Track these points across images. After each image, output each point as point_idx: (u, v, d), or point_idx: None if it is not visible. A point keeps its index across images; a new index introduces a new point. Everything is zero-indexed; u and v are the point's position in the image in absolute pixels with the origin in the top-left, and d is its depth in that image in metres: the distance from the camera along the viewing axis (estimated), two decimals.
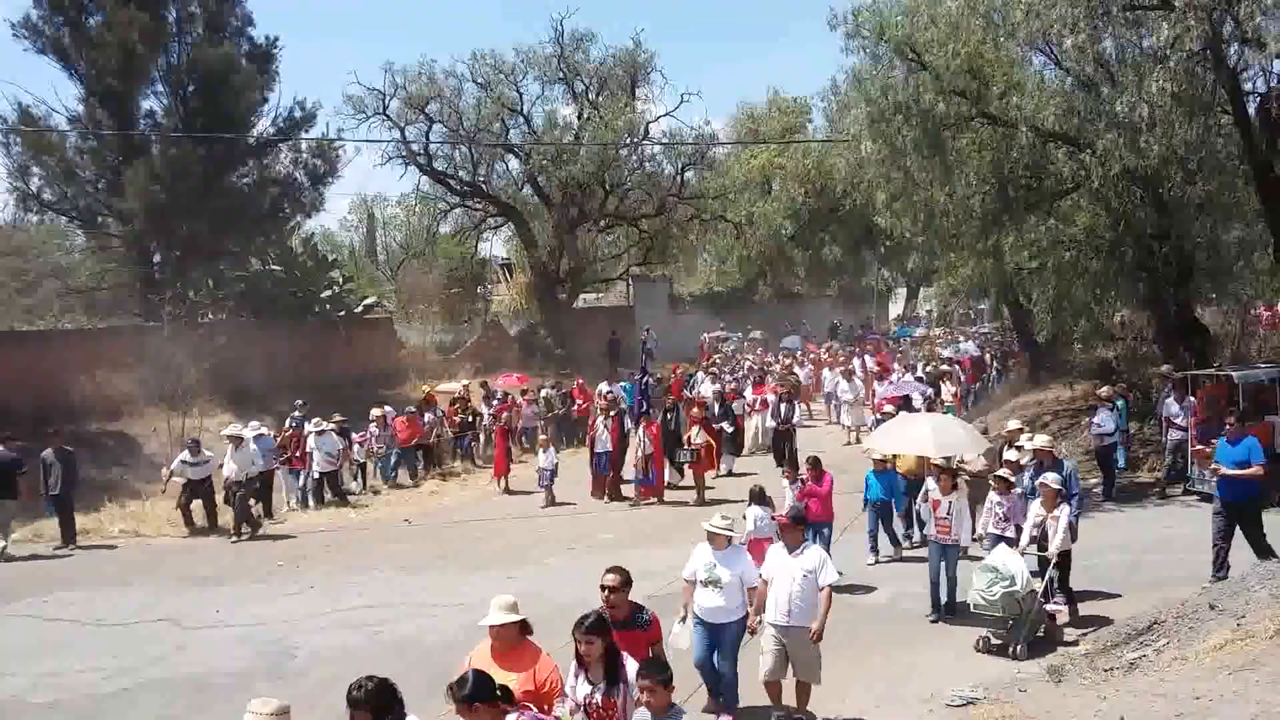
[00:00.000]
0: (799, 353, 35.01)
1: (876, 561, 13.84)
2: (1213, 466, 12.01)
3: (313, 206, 31.77)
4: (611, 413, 19.79)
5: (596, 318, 40.40)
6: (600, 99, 35.99)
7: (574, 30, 35.90)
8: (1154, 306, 20.02)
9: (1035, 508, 11.19)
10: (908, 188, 18.63)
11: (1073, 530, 11.14)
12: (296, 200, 30.87)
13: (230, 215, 27.62)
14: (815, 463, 13.11)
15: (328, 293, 31.62)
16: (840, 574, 11.12)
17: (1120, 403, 17.91)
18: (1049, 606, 10.60)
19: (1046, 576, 10.70)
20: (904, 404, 19.38)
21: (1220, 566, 11.56)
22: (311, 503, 19.82)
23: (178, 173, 25.99)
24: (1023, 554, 10.72)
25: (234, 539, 16.94)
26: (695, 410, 20.29)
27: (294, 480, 20.18)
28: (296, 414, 21.53)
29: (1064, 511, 10.83)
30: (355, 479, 21.48)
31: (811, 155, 38.85)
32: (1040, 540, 11.01)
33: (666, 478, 19.45)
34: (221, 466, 17.56)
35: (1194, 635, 9.24)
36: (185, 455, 17.58)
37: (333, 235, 49.57)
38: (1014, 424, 15.04)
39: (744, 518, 11.73)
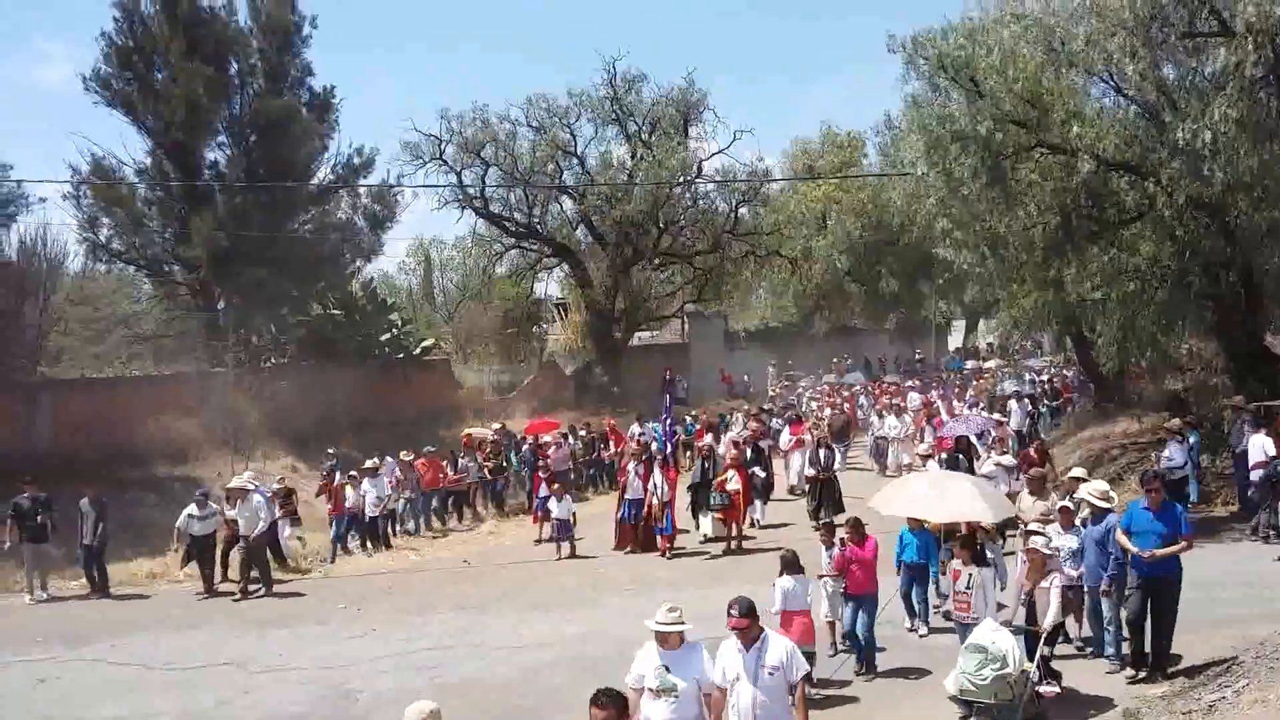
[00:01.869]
0: (855, 388, 34.69)
1: (926, 631, 12.37)
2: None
3: (371, 251, 32.27)
4: (644, 457, 18.74)
5: (652, 355, 40.41)
6: (653, 138, 36.16)
7: (626, 72, 36.21)
8: (1222, 336, 19.52)
9: (1020, 575, 10.18)
10: (967, 217, 18.43)
11: (1116, 586, 10.29)
12: (356, 245, 31.35)
13: (291, 261, 28.08)
14: (857, 524, 11.51)
15: (386, 335, 31.99)
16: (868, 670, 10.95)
17: (1193, 435, 17.45)
18: (1041, 687, 9.56)
19: (1039, 655, 9.58)
20: (959, 445, 18.82)
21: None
22: (368, 545, 19.76)
23: (240, 221, 26.58)
24: (1013, 630, 9.48)
25: (237, 597, 16.13)
26: (734, 453, 19.01)
27: (332, 529, 19.57)
28: (328, 463, 21.50)
29: (1055, 581, 9.89)
30: (407, 522, 21.38)
31: (867, 188, 38.69)
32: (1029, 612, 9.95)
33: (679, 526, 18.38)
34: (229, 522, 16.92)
35: (1275, 676, 8.91)
36: (192, 509, 16.77)
37: (391, 279, 50.29)
38: (1078, 471, 13.49)
39: (773, 587, 10.51)
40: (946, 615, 11.86)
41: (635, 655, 7.28)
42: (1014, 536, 12.49)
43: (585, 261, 37.94)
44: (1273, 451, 14.90)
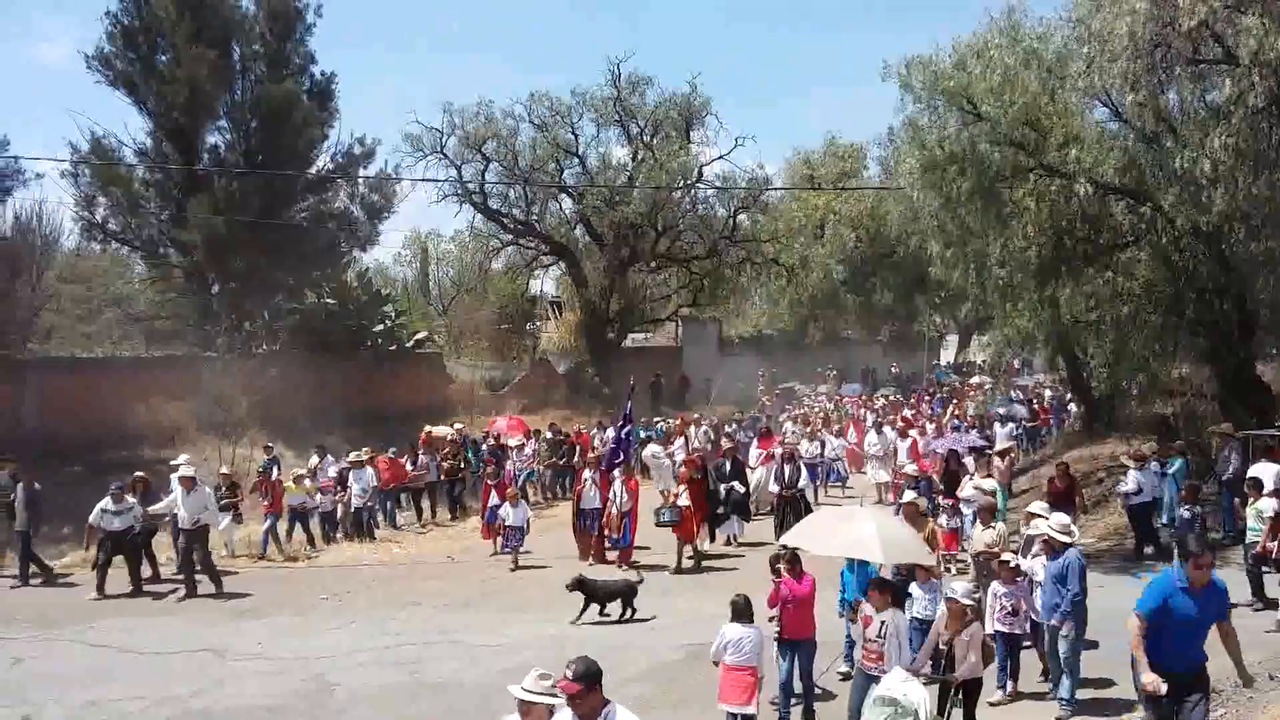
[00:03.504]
0: (849, 397, 34.68)
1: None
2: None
3: (368, 241, 32.20)
4: (601, 466, 17.74)
5: (645, 357, 40.41)
6: (655, 141, 36.23)
7: (630, 74, 36.28)
8: (1214, 363, 19.57)
9: (938, 625, 9.24)
10: (961, 237, 18.43)
11: (1075, 625, 9.85)
12: (352, 235, 31.28)
13: (287, 249, 28.03)
14: (794, 557, 10.31)
15: (380, 327, 31.92)
16: None
17: (1179, 461, 17.49)
18: None
19: (949, 710, 8.86)
20: (951, 461, 18.52)
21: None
22: (346, 532, 19.62)
23: (238, 206, 26.55)
24: (925, 680, 8.71)
25: (183, 598, 15.17)
26: (685, 468, 18.00)
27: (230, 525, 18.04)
28: (267, 457, 21.09)
29: (975, 631, 8.99)
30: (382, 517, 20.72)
31: (866, 200, 38.76)
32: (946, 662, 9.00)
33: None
34: (142, 516, 15.66)
35: (1253, 706, 8.95)
36: (106, 503, 15.22)
37: (386, 270, 50.24)
38: (1038, 505, 12.46)
39: (720, 635, 9.36)
40: (844, 675, 10.69)
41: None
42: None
43: (582, 261, 38.00)
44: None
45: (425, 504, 21.96)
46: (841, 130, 53.30)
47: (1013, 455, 20.51)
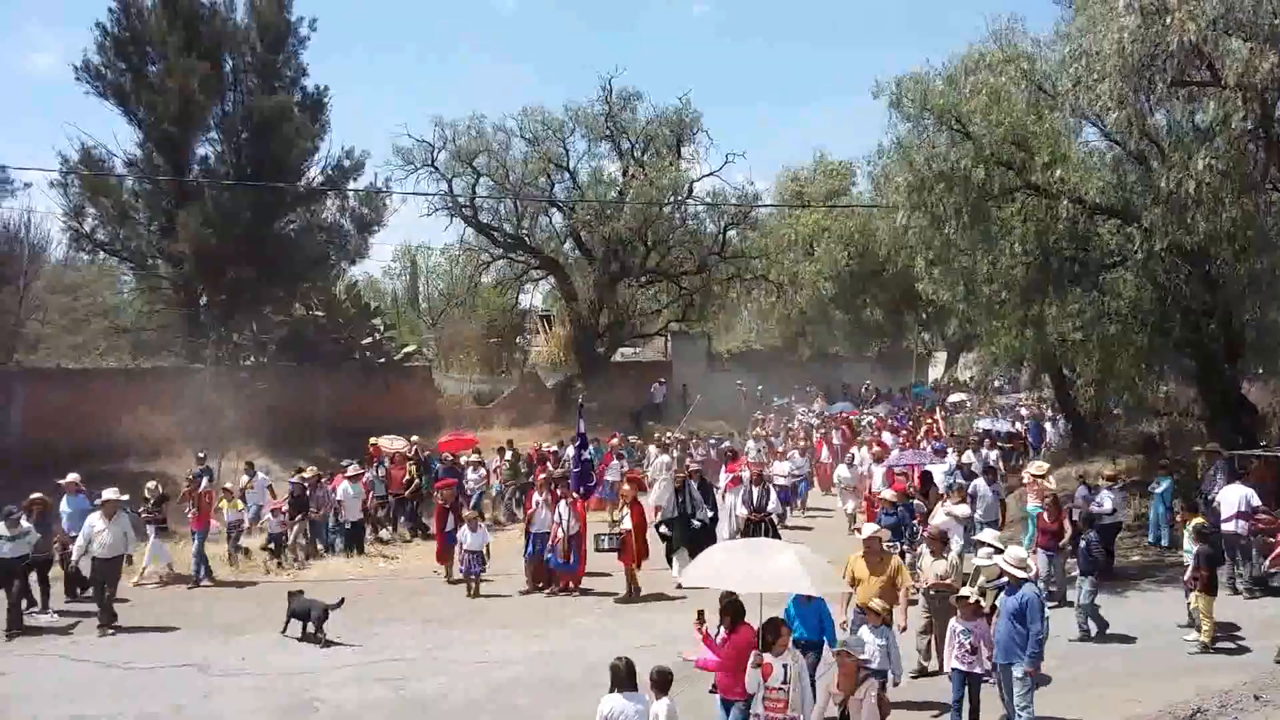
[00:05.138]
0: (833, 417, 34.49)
1: None
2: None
3: (358, 254, 32.28)
4: (553, 487, 16.83)
5: (634, 372, 40.42)
6: (646, 157, 36.34)
7: (622, 90, 36.38)
8: (1200, 383, 19.65)
9: (829, 679, 8.55)
10: (948, 255, 18.49)
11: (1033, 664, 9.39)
12: (342, 247, 31.32)
13: (277, 261, 28.03)
14: (734, 604, 9.09)
15: (368, 340, 31.89)
16: None
17: (1167, 481, 17.56)
18: None
19: None
20: (925, 480, 18.13)
21: None
22: (339, 547, 19.45)
23: (228, 218, 26.55)
24: None
25: (108, 633, 13.88)
26: (626, 488, 17.19)
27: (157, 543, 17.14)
28: (198, 467, 20.41)
29: (869, 689, 8.25)
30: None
31: (855, 217, 38.86)
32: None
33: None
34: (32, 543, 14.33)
35: None
36: (0, 528, 13.97)
37: (376, 282, 50.24)
38: (989, 534, 12.42)
39: (599, 711, 7.89)
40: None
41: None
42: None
43: (572, 275, 38.03)
44: (1256, 502, 14.82)
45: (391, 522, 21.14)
46: (834, 144, 53.48)
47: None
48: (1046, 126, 17.17)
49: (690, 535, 16.32)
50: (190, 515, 17.53)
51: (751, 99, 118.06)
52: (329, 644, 13.30)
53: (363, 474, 20.16)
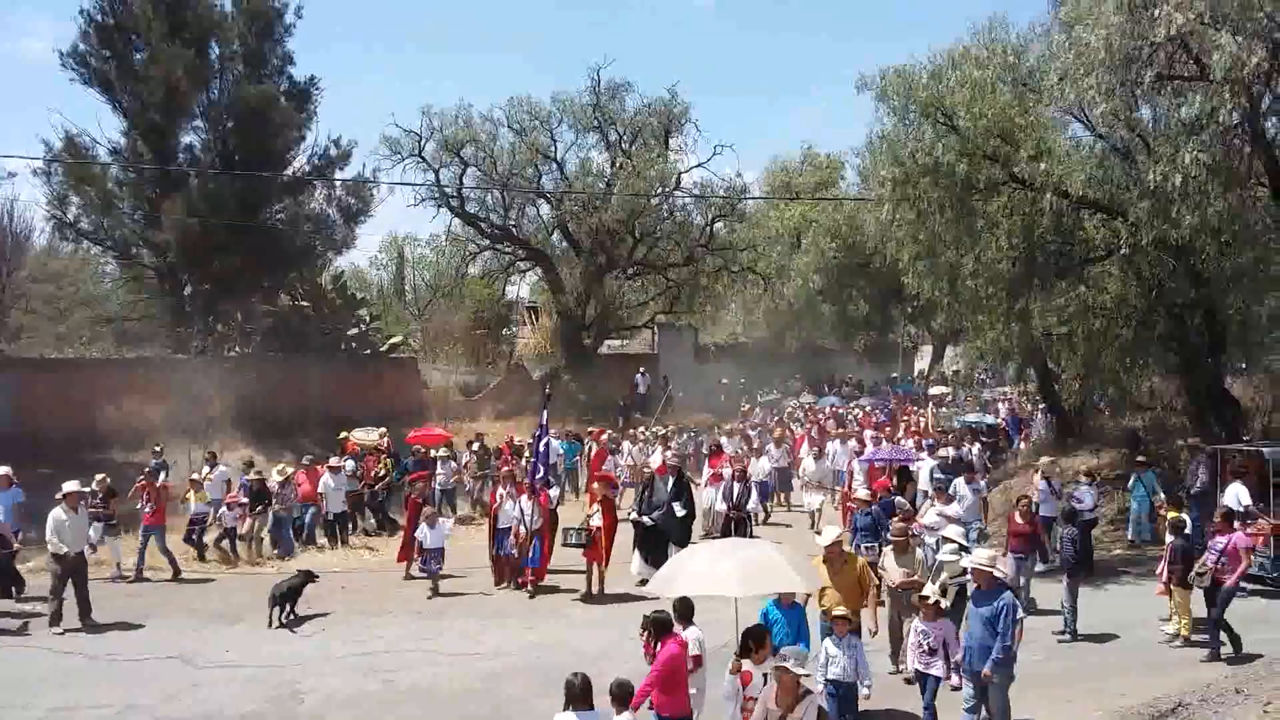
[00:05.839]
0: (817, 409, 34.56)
1: None
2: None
3: (344, 244, 32.23)
4: (518, 479, 16.50)
5: (620, 364, 40.40)
6: (633, 148, 36.25)
7: (610, 80, 36.27)
8: (1184, 377, 19.75)
9: (768, 697, 7.92)
10: (933, 249, 18.50)
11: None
12: (328, 238, 31.23)
13: (263, 251, 27.90)
14: (657, 622, 8.60)
15: (354, 330, 31.81)
16: None
17: (1149, 474, 17.63)
18: None
19: None
20: (902, 476, 17.48)
21: None
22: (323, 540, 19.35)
23: (214, 207, 26.41)
24: None
25: (60, 630, 13.34)
26: (596, 485, 16.78)
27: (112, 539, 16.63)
28: (154, 461, 20.12)
29: (810, 705, 7.76)
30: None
31: (843, 210, 38.92)
32: None
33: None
34: None
35: None
36: None
37: (363, 273, 50.07)
38: (953, 530, 12.18)
39: None
40: None
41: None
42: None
43: (559, 267, 37.95)
44: (1247, 500, 14.66)
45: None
46: (821, 136, 53.76)
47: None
48: (1031, 120, 17.22)
49: (643, 534, 15.92)
50: (145, 510, 16.74)
51: (741, 90, 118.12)
52: (300, 621, 13.65)
53: (342, 466, 19.90)
